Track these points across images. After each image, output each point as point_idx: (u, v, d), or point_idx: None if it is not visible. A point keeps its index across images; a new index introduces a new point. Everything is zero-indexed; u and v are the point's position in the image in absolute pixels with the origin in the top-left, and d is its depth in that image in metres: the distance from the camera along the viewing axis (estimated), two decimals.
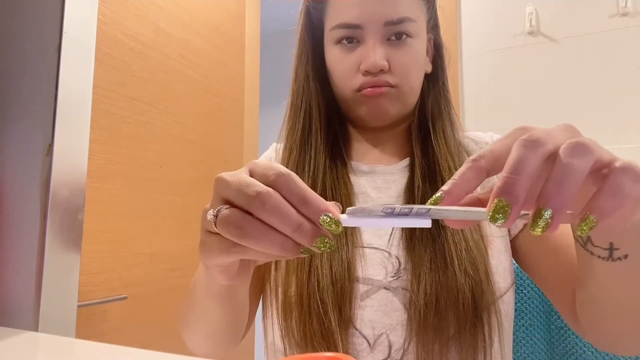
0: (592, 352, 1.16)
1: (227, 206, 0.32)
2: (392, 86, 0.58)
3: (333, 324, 0.50)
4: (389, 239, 0.56)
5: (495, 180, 0.29)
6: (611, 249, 0.36)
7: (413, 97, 0.62)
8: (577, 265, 0.44)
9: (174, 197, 1.27)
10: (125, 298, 1.07)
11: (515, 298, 0.82)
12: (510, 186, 0.27)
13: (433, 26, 0.65)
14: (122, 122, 1.12)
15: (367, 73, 0.57)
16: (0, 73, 0.62)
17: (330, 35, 0.61)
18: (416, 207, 0.30)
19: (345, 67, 0.59)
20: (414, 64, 0.59)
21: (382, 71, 0.57)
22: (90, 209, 1.02)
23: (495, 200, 0.28)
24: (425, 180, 0.57)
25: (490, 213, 0.28)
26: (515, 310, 1.00)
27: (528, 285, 1.19)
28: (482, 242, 0.54)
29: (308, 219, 0.31)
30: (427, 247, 0.53)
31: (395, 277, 0.53)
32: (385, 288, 0.53)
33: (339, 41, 0.60)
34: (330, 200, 0.38)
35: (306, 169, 0.60)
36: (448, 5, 1.60)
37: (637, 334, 0.44)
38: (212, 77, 1.47)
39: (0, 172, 0.60)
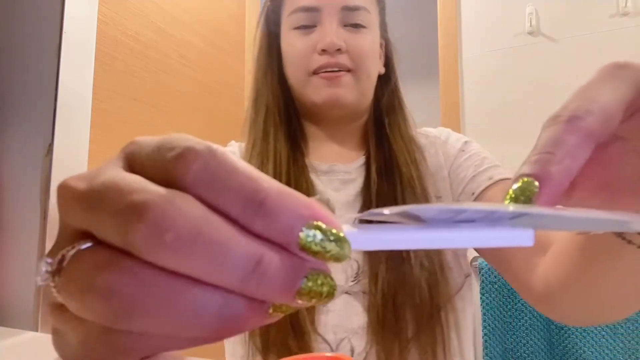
0: (592, 352, 1.16)
1: (87, 242, 0.16)
2: (348, 70, 0.58)
3: (296, 330, 0.50)
4: None
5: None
6: None
7: (369, 86, 0.61)
8: (583, 249, 0.38)
9: None
10: None
11: (516, 298, 0.82)
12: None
13: (384, 31, 0.67)
14: (122, 122, 1.12)
15: (323, 52, 0.57)
16: (0, 73, 0.62)
17: (288, 21, 0.61)
18: (493, 208, 0.16)
19: (301, 49, 0.59)
20: (370, 51, 0.60)
21: (339, 51, 0.57)
22: None
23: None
24: (381, 174, 0.57)
25: None
26: (516, 310, 0.99)
27: None
28: None
29: (272, 241, 0.15)
30: None
31: (355, 281, 0.53)
32: (346, 293, 0.53)
33: (296, 27, 0.59)
34: None
35: (270, 158, 0.58)
36: (448, 5, 1.60)
37: (621, 316, 0.41)
38: (212, 77, 1.47)
39: (0, 172, 0.60)
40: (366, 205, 0.57)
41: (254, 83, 0.65)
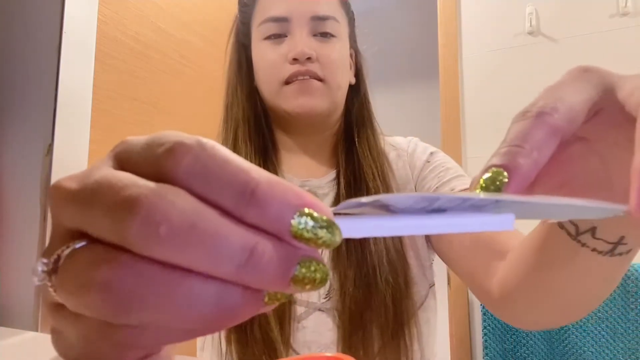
0: (592, 352, 1.16)
1: (81, 242, 0.15)
2: (320, 79, 0.58)
3: (269, 346, 0.51)
4: None
5: None
6: (618, 243, 0.29)
7: (341, 95, 0.62)
8: (538, 252, 0.38)
9: None
10: None
11: None
12: None
13: (354, 42, 0.67)
14: (122, 122, 1.12)
15: (295, 61, 0.57)
16: (0, 73, 0.62)
17: (257, 32, 0.61)
18: (471, 196, 0.16)
19: (272, 59, 0.59)
20: (340, 61, 0.61)
21: (309, 60, 0.57)
22: None
23: None
24: (350, 189, 0.59)
25: None
26: None
27: None
28: (401, 248, 0.57)
29: (265, 230, 0.15)
30: (351, 262, 0.54)
31: (327, 298, 0.55)
32: (319, 309, 0.55)
33: (266, 37, 0.60)
34: None
35: None
36: (448, 5, 1.60)
37: (575, 319, 0.41)
38: (213, 77, 1.47)
39: (0, 172, 0.60)
40: None
41: (224, 98, 0.65)
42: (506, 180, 0.19)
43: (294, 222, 0.15)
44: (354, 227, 0.16)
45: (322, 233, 0.15)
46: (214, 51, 1.47)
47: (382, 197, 0.16)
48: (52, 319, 0.17)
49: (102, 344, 0.16)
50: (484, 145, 1.48)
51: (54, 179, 0.57)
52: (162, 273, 0.14)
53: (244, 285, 0.15)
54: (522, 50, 1.47)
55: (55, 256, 0.16)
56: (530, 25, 1.46)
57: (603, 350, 1.12)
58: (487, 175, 0.19)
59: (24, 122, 0.60)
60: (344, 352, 0.52)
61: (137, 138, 0.17)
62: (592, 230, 0.30)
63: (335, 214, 0.16)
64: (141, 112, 1.18)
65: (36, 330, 0.55)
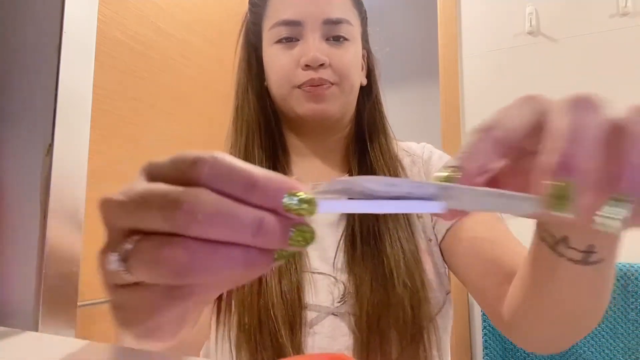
0: (592, 352, 1.16)
1: (136, 237, 0.21)
2: (332, 84, 0.58)
3: (285, 351, 0.50)
4: (334, 262, 0.56)
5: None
6: (589, 251, 0.32)
7: (353, 97, 0.62)
8: (530, 267, 0.40)
9: None
10: None
11: None
12: (579, 160, 0.21)
13: (366, 41, 0.67)
14: (122, 122, 1.12)
15: (307, 67, 0.57)
16: (0, 73, 0.62)
17: (269, 35, 0.60)
18: (421, 183, 0.22)
19: (284, 64, 0.58)
20: (352, 63, 0.60)
21: (322, 66, 0.57)
22: (91, 209, 1.02)
23: (558, 182, 0.21)
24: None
25: (553, 200, 0.21)
26: None
27: None
28: (417, 252, 0.56)
29: (267, 208, 0.21)
30: (367, 266, 0.54)
31: (342, 302, 0.54)
32: (333, 314, 0.54)
33: (278, 40, 0.59)
34: None
35: None
36: (448, 5, 1.60)
37: (577, 336, 0.43)
38: (213, 77, 1.47)
39: (0, 172, 0.60)
40: (350, 225, 0.58)
41: (234, 100, 0.65)
42: (458, 177, 0.24)
43: (284, 200, 0.21)
44: (327, 205, 0.22)
45: (304, 206, 0.21)
46: (214, 51, 1.47)
47: (353, 179, 0.22)
48: (117, 296, 0.23)
49: (165, 302, 0.21)
50: None
51: (54, 179, 0.57)
52: (204, 246, 0.20)
53: (258, 247, 0.21)
54: (522, 50, 1.47)
55: (124, 249, 0.21)
56: (530, 25, 1.46)
57: (603, 350, 1.12)
58: (444, 173, 0.25)
59: (24, 122, 0.60)
60: (361, 357, 0.51)
61: (160, 159, 0.23)
62: (565, 240, 0.33)
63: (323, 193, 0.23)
64: (141, 112, 1.18)
65: (36, 330, 0.55)
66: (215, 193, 0.20)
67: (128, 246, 0.21)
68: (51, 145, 0.57)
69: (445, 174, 0.25)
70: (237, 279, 0.23)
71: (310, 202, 0.21)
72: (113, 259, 0.21)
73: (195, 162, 0.21)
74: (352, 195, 0.24)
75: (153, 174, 0.23)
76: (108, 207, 0.22)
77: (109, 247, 0.22)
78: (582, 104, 0.23)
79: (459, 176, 0.24)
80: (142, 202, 0.21)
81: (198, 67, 1.41)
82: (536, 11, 1.46)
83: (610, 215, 0.21)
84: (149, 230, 0.21)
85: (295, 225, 0.21)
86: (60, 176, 0.58)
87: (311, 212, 0.21)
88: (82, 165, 0.62)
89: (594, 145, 0.22)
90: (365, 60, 0.67)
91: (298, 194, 0.21)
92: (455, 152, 0.91)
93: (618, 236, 0.31)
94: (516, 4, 1.49)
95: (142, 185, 0.21)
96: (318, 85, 0.57)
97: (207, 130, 1.42)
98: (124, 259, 0.21)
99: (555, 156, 0.22)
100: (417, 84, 2.74)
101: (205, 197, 0.20)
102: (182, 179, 0.21)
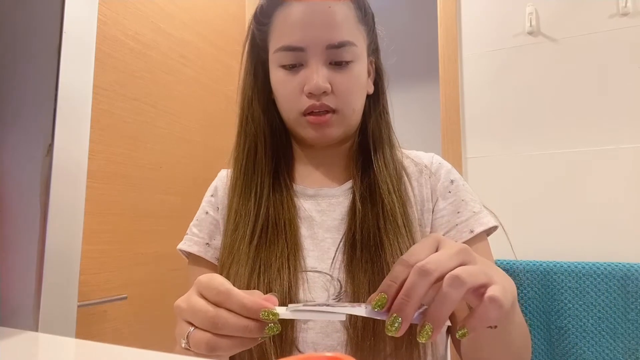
0: (592, 352, 1.16)
1: (192, 328, 0.40)
2: (334, 111, 0.60)
3: (276, 345, 0.52)
4: (332, 263, 0.58)
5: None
6: (462, 330, 0.42)
7: (356, 118, 0.64)
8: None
9: (174, 197, 1.27)
10: (125, 298, 1.07)
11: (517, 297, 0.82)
12: (403, 306, 0.37)
13: (374, 49, 0.67)
14: (122, 122, 1.12)
15: (310, 95, 0.59)
16: (0, 73, 0.62)
17: (274, 58, 0.62)
18: (344, 309, 0.39)
19: (289, 90, 0.60)
20: (355, 87, 0.61)
21: (324, 93, 0.59)
22: (90, 209, 1.02)
23: (392, 317, 0.37)
24: (365, 203, 0.60)
25: (387, 326, 0.37)
26: None
27: (528, 285, 1.19)
28: None
29: (252, 319, 0.38)
30: (366, 270, 0.55)
31: (337, 300, 0.55)
32: None
33: (282, 65, 0.61)
34: (274, 223, 0.57)
35: (252, 196, 0.62)
36: (448, 5, 1.60)
37: None
38: (212, 77, 1.47)
39: (0, 172, 0.60)
40: (351, 229, 0.59)
41: (239, 111, 0.66)
42: (386, 300, 0.38)
43: (261, 314, 0.38)
44: (287, 315, 0.39)
45: (272, 317, 0.38)
46: (214, 51, 1.47)
47: (316, 308, 0.39)
48: (181, 351, 0.41)
49: (206, 345, 0.39)
50: (484, 145, 1.48)
51: (54, 179, 0.57)
52: (224, 336, 0.39)
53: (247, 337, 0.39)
54: (522, 50, 1.47)
55: (186, 335, 0.40)
56: (530, 25, 1.46)
57: (603, 350, 1.11)
58: (377, 297, 0.38)
59: (24, 122, 0.60)
60: (354, 354, 0.51)
61: (202, 282, 0.41)
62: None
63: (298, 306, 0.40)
64: (141, 112, 1.18)
65: (36, 330, 0.54)
66: (225, 312, 0.39)
67: (190, 331, 0.40)
68: (51, 145, 0.57)
69: (379, 297, 0.39)
70: (244, 342, 0.40)
71: (274, 315, 0.38)
72: (184, 341, 0.40)
73: (217, 293, 0.39)
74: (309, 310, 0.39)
75: (201, 292, 0.41)
76: (177, 308, 0.42)
77: (179, 332, 0.41)
78: (423, 272, 0.37)
79: (385, 300, 0.38)
80: (192, 312, 0.40)
81: (198, 67, 1.41)
82: (536, 11, 1.46)
83: (389, 324, 0.37)
84: (197, 326, 0.40)
85: (269, 325, 0.39)
86: (60, 176, 0.58)
87: (275, 319, 0.39)
88: (82, 165, 0.62)
89: (417, 297, 0.37)
90: (374, 66, 0.68)
91: (269, 310, 0.38)
92: (455, 152, 0.93)
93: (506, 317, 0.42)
94: (516, 4, 1.49)
95: (193, 300, 0.40)
96: (320, 114, 0.59)
97: (207, 130, 1.42)
98: (187, 339, 0.40)
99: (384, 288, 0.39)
100: (417, 83, 2.75)
101: (220, 314, 0.38)
102: (210, 298, 0.40)
